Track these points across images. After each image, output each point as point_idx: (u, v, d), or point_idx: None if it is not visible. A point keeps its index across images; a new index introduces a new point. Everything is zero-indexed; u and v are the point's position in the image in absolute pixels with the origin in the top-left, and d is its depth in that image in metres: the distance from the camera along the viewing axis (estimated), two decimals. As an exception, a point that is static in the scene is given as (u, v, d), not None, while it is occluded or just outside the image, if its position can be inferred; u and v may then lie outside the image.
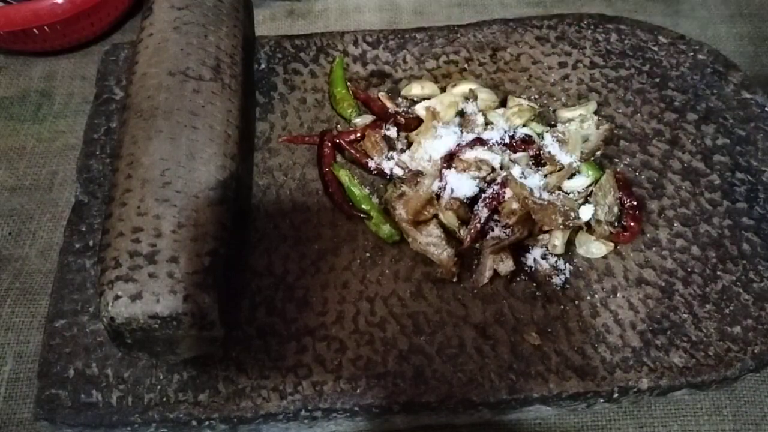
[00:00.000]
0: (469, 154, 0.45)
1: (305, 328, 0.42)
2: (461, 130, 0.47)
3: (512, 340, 0.41)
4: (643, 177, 0.48)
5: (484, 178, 0.45)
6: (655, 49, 0.54)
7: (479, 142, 0.46)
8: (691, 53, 0.54)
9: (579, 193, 0.46)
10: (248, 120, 0.47)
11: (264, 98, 0.52)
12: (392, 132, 0.49)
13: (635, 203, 0.46)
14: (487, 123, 0.48)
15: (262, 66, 0.54)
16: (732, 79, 0.52)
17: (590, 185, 0.46)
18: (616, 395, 0.40)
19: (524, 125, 0.49)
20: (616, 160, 0.49)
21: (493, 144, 0.46)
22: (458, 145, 0.46)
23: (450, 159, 0.45)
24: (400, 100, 0.52)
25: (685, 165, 0.48)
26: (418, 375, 0.40)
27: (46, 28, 0.57)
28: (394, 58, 0.54)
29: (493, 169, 0.45)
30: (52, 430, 0.40)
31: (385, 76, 0.53)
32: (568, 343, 0.41)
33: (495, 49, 0.55)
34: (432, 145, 0.46)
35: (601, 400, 0.40)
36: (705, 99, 0.51)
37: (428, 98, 0.51)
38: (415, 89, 0.52)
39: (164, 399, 0.39)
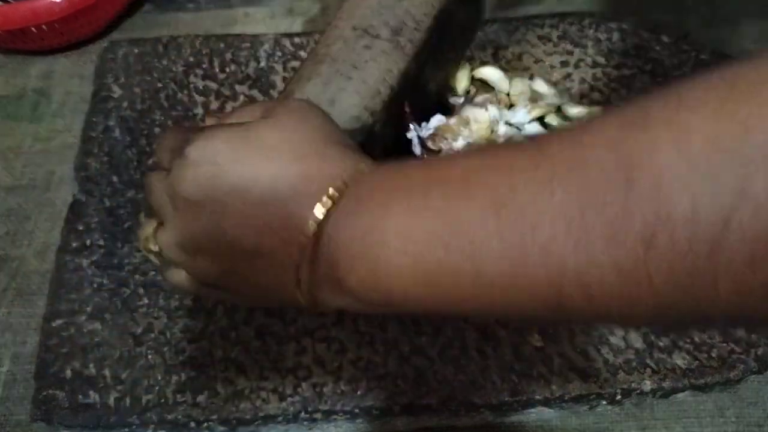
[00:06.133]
0: None
1: (305, 328, 0.41)
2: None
3: (514, 341, 0.41)
4: (645, 177, 0.48)
5: None
6: (658, 48, 0.54)
7: None
8: (694, 53, 0.53)
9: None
10: (416, 86, 0.47)
11: (263, 96, 0.52)
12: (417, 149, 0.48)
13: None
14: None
15: (262, 64, 0.53)
16: (735, 79, 0.52)
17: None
18: (618, 397, 0.39)
19: (542, 118, 0.49)
20: (619, 159, 0.48)
21: None
22: None
23: None
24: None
25: (688, 165, 0.48)
26: (419, 376, 0.39)
27: (44, 26, 0.56)
28: (394, 57, 0.54)
29: None
30: (49, 431, 0.39)
31: (385, 75, 0.53)
32: (570, 345, 0.40)
33: (497, 48, 0.54)
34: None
35: (604, 402, 0.40)
36: (708, 99, 0.51)
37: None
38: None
39: (162, 400, 0.39)
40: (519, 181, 0.22)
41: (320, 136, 0.30)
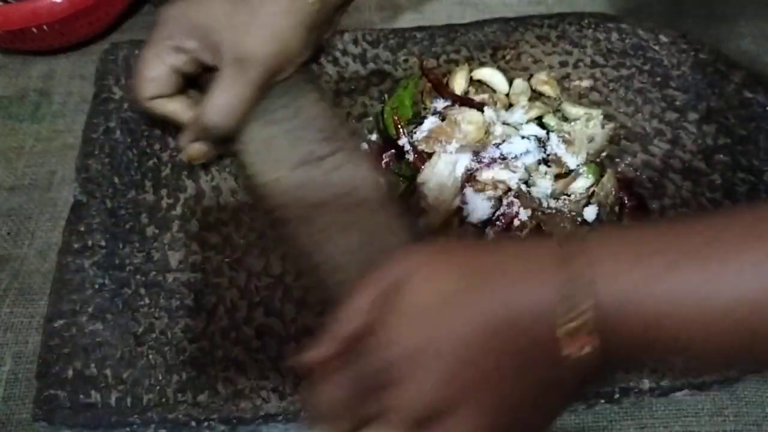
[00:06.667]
0: (487, 174, 0.45)
1: (305, 328, 0.41)
2: (477, 154, 0.47)
3: (513, 340, 0.41)
4: (644, 177, 0.48)
5: (499, 198, 0.45)
6: (656, 48, 0.54)
7: (499, 159, 0.46)
8: (693, 52, 0.54)
9: (581, 194, 0.46)
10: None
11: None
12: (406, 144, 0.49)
13: (636, 203, 0.46)
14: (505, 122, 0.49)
15: (262, 65, 0.53)
16: (733, 79, 0.52)
17: (591, 186, 0.46)
18: (617, 396, 0.40)
19: (540, 118, 0.49)
20: (617, 159, 0.49)
21: (513, 158, 0.46)
22: (480, 161, 0.46)
23: (469, 179, 0.45)
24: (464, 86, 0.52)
25: (687, 165, 0.48)
26: (419, 376, 0.40)
27: (44, 27, 0.56)
28: (394, 57, 0.54)
29: (509, 189, 0.45)
30: (51, 430, 0.40)
31: (385, 75, 0.53)
32: (569, 344, 0.40)
33: (495, 48, 0.54)
34: (449, 160, 0.46)
35: (602, 401, 0.40)
36: (706, 98, 0.51)
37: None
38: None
39: (163, 400, 0.39)
40: None
41: (480, 251, 0.29)
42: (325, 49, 0.53)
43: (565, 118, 0.50)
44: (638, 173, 0.48)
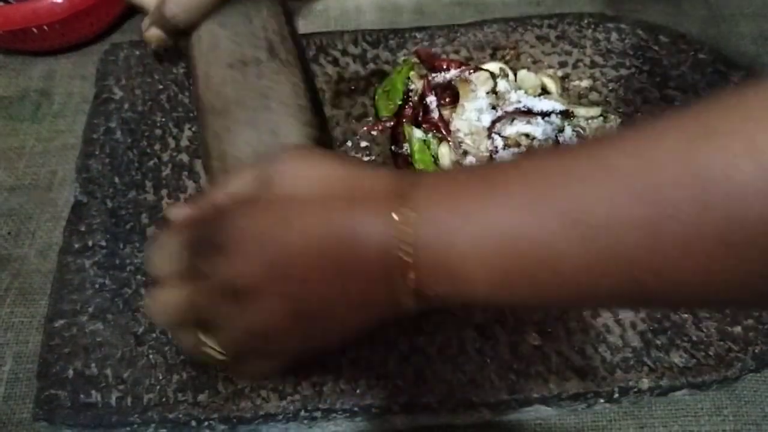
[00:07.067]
0: (510, 130, 0.47)
1: (305, 328, 0.41)
2: (495, 108, 0.48)
3: (512, 340, 0.41)
4: (643, 176, 0.48)
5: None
6: (656, 48, 0.54)
7: (521, 112, 0.47)
8: (692, 53, 0.54)
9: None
10: (314, 90, 0.49)
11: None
12: (432, 101, 0.50)
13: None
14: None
15: (262, 65, 0.54)
16: (733, 79, 0.52)
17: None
18: (616, 395, 0.40)
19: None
20: (617, 159, 0.49)
21: (537, 113, 0.47)
22: (505, 111, 0.47)
23: (493, 127, 0.47)
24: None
25: (686, 164, 0.48)
26: (418, 375, 0.40)
27: (45, 27, 0.56)
28: (394, 57, 0.54)
29: (533, 140, 0.47)
30: (52, 430, 0.40)
31: (385, 75, 0.53)
32: (568, 344, 0.41)
33: (495, 49, 0.55)
34: (474, 106, 0.48)
35: (602, 401, 0.40)
36: (706, 99, 0.51)
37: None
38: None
39: (163, 399, 0.39)
40: (592, 195, 0.24)
41: (342, 168, 0.31)
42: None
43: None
44: (638, 173, 0.48)
